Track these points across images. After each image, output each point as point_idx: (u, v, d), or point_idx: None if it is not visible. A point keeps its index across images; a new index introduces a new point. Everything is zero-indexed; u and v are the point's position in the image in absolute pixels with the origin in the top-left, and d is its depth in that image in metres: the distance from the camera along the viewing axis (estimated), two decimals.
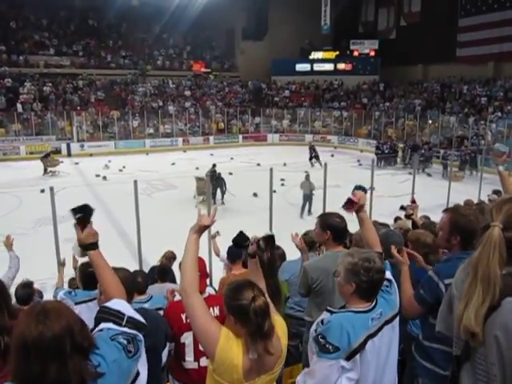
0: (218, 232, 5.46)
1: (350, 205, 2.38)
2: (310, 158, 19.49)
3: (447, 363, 1.88)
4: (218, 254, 5.43)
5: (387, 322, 1.90)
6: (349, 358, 1.72)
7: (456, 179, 14.19)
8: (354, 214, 2.43)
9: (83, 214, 1.75)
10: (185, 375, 2.66)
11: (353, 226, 2.81)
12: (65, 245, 4.47)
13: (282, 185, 14.19)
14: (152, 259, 5.57)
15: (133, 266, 3.71)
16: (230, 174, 14.03)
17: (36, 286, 4.35)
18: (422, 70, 29.43)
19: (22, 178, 16.46)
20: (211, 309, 2.51)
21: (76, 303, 2.78)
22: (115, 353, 1.40)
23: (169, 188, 15.21)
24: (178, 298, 2.87)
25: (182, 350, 2.63)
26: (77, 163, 20.77)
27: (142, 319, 1.59)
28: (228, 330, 1.75)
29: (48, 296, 4.33)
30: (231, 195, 13.32)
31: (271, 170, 6.04)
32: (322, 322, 1.80)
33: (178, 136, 26.53)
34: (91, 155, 22.89)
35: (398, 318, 1.99)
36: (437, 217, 2.97)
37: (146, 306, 2.84)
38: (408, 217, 4.81)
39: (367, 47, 31.64)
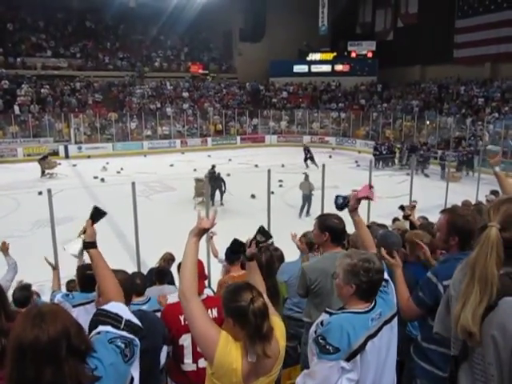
0: (212, 232, 5.43)
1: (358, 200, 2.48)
2: (305, 160, 19.43)
3: (446, 365, 1.87)
4: (216, 256, 5.41)
5: (386, 322, 1.90)
6: (349, 358, 1.72)
7: (454, 180, 14.22)
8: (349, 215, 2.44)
9: (100, 216, 2.02)
10: (183, 377, 2.66)
11: (350, 227, 2.82)
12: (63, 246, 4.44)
13: (280, 186, 14.20)
14: (150, 261, 5.57)
15: (131, 268, 3.70)
16: (228, 175, 14.05)
17: (34, 288, 4.34)
18: (420, 71, 29.49)
19: (20, 181, 16.41)
20: (209, 310, 2.51)
21: (74, 306, 2.77)
22: (112, 356, 1.39)
23: (167, 190, 15.20)
24: (170, 301, 2.86)
25: (181, 352, 2.63)
26: (74, 165, 20.75)
27: (139, 323, 1.58)
28: (227, 334, 1.74)
29: (45, 299, 4.31)
30: (230, 195, 13.32)
31: (269, 171, 6.02)
32: (321, 323, 1.80)
33: (176, 138, 26.51)
34: (89, 157, 22.89)
35: (396, 318, 1.99)
36: (434, 217, 2.98)
37: (144, 307, 2.84)
38: (406, 217, 4.83)
39: (365, 48, 31.68)
